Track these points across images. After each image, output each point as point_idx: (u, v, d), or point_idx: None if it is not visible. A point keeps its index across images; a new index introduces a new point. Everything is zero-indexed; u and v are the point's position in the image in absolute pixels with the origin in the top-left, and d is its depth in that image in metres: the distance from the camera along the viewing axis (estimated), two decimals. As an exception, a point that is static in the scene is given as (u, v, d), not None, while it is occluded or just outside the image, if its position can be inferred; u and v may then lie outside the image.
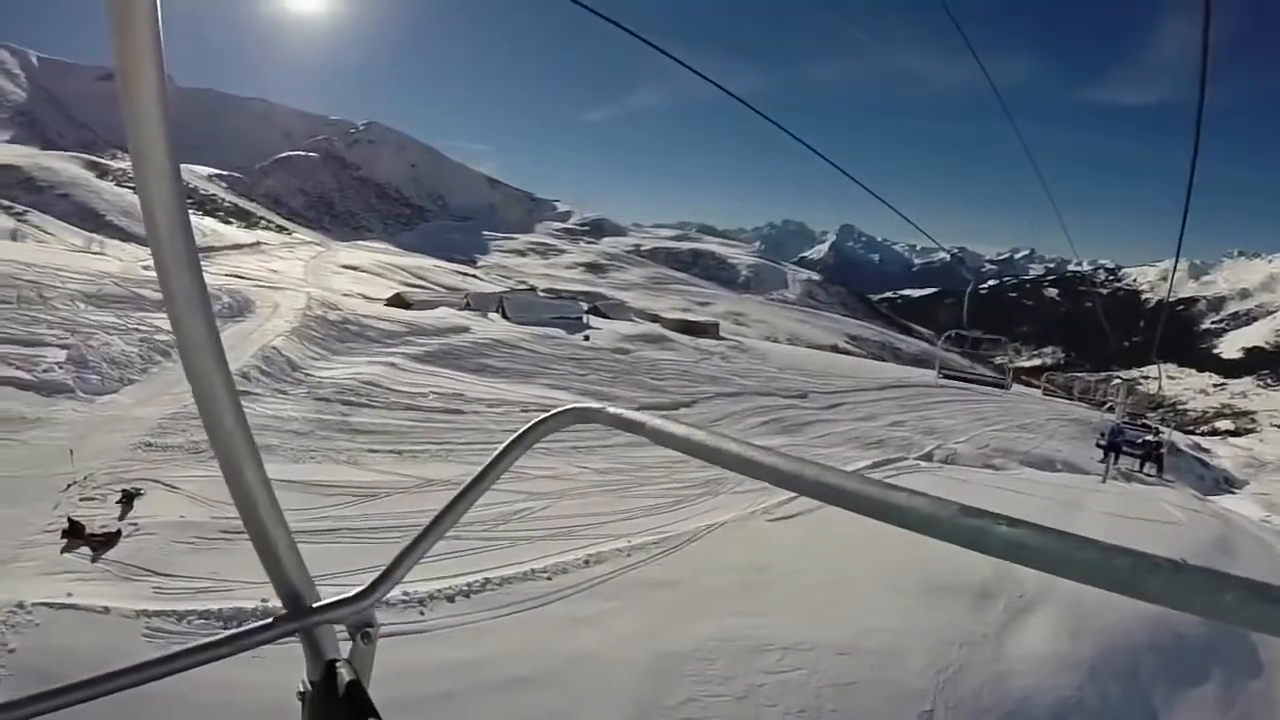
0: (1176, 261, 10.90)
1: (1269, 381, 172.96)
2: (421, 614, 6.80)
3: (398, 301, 33.91)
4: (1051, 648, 7.26)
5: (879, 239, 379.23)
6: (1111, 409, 24.16)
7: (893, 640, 7.02)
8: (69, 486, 8.78)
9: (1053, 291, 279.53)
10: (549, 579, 7.86)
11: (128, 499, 8.56)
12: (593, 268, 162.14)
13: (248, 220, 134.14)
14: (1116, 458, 19.60)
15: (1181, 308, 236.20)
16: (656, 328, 36.10)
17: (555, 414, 0.94)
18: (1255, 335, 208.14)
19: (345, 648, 0.89)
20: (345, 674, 0.83)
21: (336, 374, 16.14)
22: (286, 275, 51.32)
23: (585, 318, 33.49)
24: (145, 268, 21.27)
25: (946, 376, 23.91)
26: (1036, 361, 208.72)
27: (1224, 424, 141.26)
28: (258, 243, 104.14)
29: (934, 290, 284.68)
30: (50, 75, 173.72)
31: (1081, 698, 6.71)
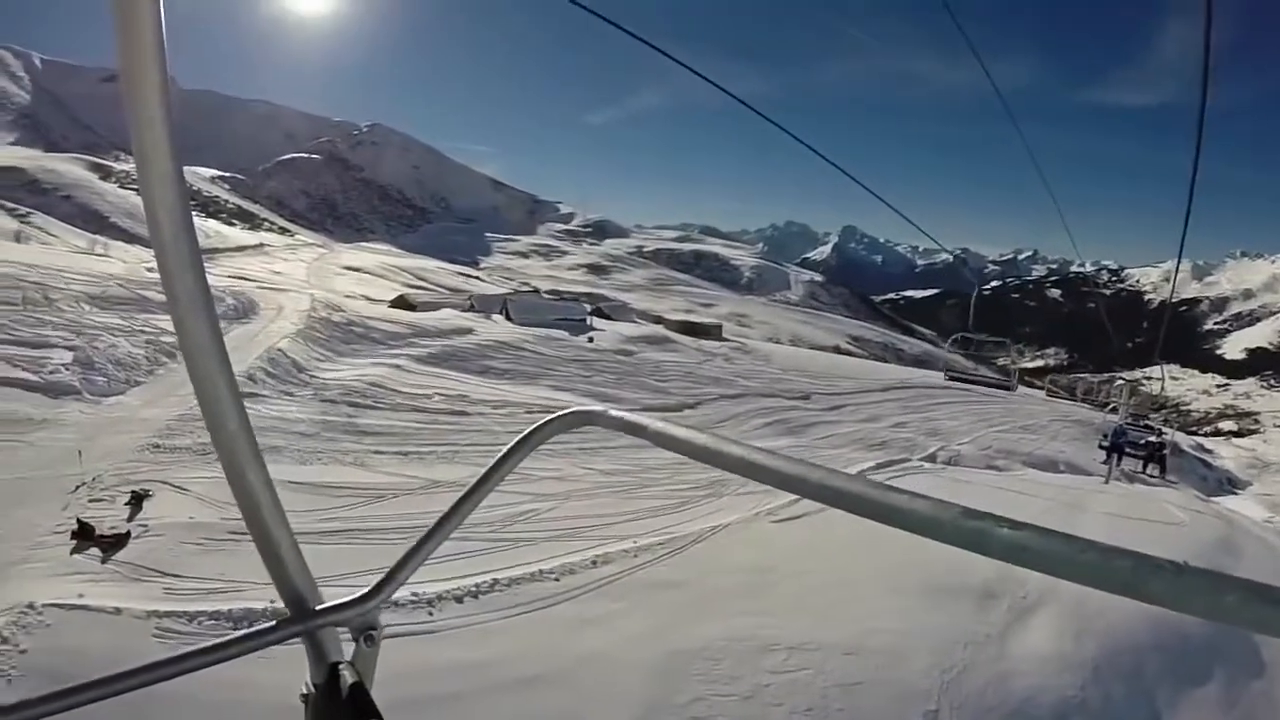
0: (1179, 262, 10.95)
1: (1272, 382, 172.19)
2: (430, 614, 6.84)
3: (401, 303, 34.01)
4: (1055, 648, 7.28)
5: (881, 240, 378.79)
6: (1114, 410, 24.21)
7: (897, 640, 7.05)
8: (77, 488, 8.80)
9: (1056, 292, 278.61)
10: (557, 580, 7.90)
11: (136, 500, 8.59)
12: (595, 269, 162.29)
13: (251, 222, 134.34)
14: (1119, 459, 19.59)
15: (1184, 308, 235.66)
16: (660, 329, 36.17)
17: (558, 417, 0.94)
18: (1258, 336, 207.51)
19: (349, 650, 0.88)
20: (348, 676, 0.83)
21: (342, 376, 16.21)
22: (289, 277, 51.43)
23: (589, 319, 33.55)
24: (149, 269, 21.33)
25: (952, 378, 23.99)
26: (1039, 362, 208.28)
27: (1227, 425, 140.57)
28: (261, 244, 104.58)
29: (936, 291, 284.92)
30: (54, 77, 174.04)
31: (1085, 697, 6.73)
